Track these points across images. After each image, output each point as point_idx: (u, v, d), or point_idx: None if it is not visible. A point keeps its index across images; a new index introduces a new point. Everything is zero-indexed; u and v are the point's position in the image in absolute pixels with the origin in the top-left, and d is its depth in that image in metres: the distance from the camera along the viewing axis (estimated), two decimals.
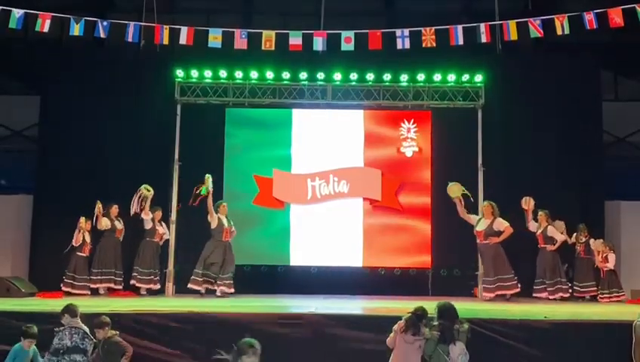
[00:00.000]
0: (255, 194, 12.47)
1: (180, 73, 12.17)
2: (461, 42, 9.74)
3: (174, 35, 10.06)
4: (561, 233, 11.38)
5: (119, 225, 11.55)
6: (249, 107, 12.48)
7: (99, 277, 11.23)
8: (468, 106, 12.22)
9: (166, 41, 10.04)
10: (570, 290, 11.28)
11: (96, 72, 12.49)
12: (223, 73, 12.19)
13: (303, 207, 12.46)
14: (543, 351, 7.56)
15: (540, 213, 11.35)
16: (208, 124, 12.61)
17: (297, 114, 12.82)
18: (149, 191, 11.40)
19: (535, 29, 9.48)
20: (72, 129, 12.53)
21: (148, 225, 11.50)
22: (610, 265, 11.22)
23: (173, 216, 11.77)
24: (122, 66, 12.42)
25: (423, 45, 9.73)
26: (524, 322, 7.90)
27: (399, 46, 9.87)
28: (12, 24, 9.72)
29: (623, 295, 11.27)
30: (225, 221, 11.19)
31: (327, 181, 12.48)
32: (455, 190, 11.16)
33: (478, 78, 12.11)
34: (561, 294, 11.08)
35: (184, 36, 10.02)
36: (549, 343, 7.58)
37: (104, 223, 11.34)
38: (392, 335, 6.85)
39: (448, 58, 12.01)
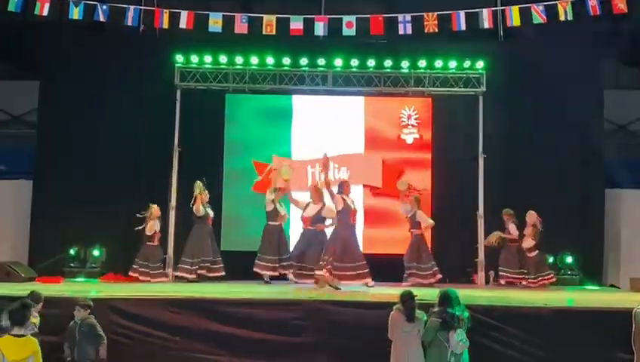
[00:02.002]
0: (254, 181, 12.44)
1: (179, 58, 12.08)
2: (463, 28, 9.72)
3: (174, 19, 10.02)
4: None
5: (210, 212, 11.33)
6: (249, 93, 12.44)
7: (194, 267, 10.91)
8: (469, 93, 12.17)
9: (166, 25, 10.03)
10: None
11: (96, 57, 12.39)
12: (223, 58, 12.11)
13: (302, 194, 12.42)
14: (543, 337, 7.57)
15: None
16: (208, 110, 12.56)
17: (298, 100, 12.77)
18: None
19: (538, 15, 9.45)
20: (72, 114, 12.46)
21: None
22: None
23: (173, 202, 11.74)
24: (122, 51, 12.31)
25: (425, 31, 9.71)
26: (525, 309, 7.92)
27: (401, 31, 9.85)
28: (11, 7, 9.67)
29: (549, 277, 11.23)
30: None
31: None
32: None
33: (480, 64, 12.04)
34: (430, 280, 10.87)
35: (184, 20, 10.01)
36: (550, 330, 7.59)
37: (201, 210, 11.04)
38: (389, 327, 6.87)
39: (449, 45, 11.97)
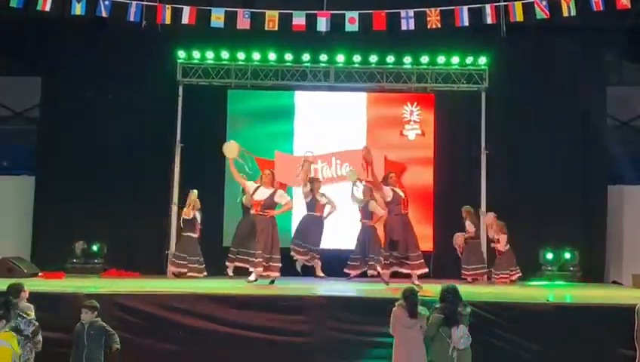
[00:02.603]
0: (257, 177, 12.41)
1: (181, 54, 12.10)
2: (466, 23, 9.68)
3: (176, 14, 9.99)
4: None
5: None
6: (251, 89, 12.43)
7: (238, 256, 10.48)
8: (471, 89, 12.17)
9: (168, 21, 9.99)
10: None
11: (98, 53, 12.41)
12: (225, 54, 12.12)
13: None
14: (545, 334, 7.55)
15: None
16: (210, 106, 12.56)
17: (300, 96, 12.77)
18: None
19: (541, 10, 9.41)
20: (73, 110, 12.48)
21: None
22: (501, 247, 11.15)
23: (175, 198, 11.75)
24: (124, 47, 12.32)
25: (428, 26, 9.68)
26: (527, 305, 7.89)
27: (404, 27, 9.81)
28: (13, 3, 9.66)
29: (516, 273, 11.13)
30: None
31: (329, 164, 12.44)
32: (232, 150, 9.87)
33: (482, 60, 12.04)
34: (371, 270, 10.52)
35: (186, 16, 9.97)
36: (552, 326, 7.57)
37: (247, 201, 10.74)
38: (391, 323, 6.86)
39: (452, 41, 11.93)
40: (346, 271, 10.89)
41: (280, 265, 9.42)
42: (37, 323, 6.39)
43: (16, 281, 7.17)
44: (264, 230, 9.35)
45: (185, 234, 11.09)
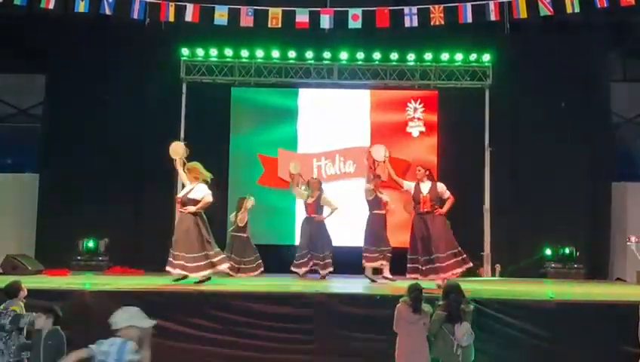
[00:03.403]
0: (260, 174, 12.45)
1: (185, 51, 12.12)
2: (470, 20, 9.68)
3: (180, 12, 10.00)
4: None
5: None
6: (255, 86, 12.44)
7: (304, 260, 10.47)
8: (475, 86, 12.16)
9: (172, 19, 10.01)
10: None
11: (102, 51, 12.42)
12: (228, 52, 12.14)
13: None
14: (548, 331, 7.55)
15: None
16: (214, 103, 12.56)
17: (303, 93, 12.77)
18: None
19: (545, 7, 9.39)
20: (78, 107, 12.49)
21: None
22: None
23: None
24: (127, 44, 12.33)
25: (432, 23, 9.67)
26: (530, 302, 7.89)
27: (407, 24, 9.81)
28: (17, 0, 9.67)
29: None
30: None
31: (333, 161, 12.46)
32: (177, 151, 9.27)
33: (486, 57, 12.03)
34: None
35: (190, 13, 9.98)
36: (555, 323, 7.57)
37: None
38: (394, 320, 6.86)
39: (456, 38, 11.93)
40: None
41: (203, 263, 8.81)
42: (14, 312, 5.92)
43: (14, 280, 6.76)
44: (188, 229, 8.81)
45: (236, 234, 10.62)
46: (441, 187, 9.19)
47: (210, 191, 8.99)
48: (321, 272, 10.35)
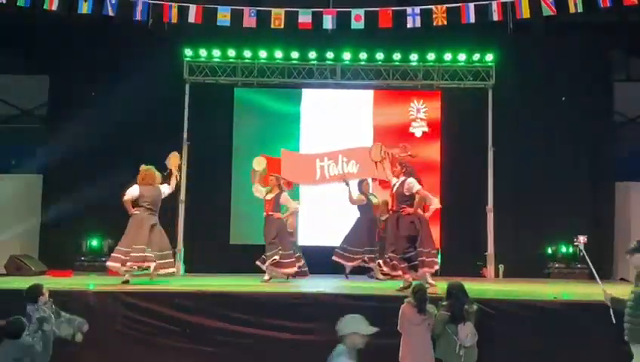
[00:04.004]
0: None
1: (188, 52, 12.14)
2: (473, 20, 9.68)
3: (183, 13, 10.03)
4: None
5: (374, 199, 10.91)
6: (258, 87, 12.46)
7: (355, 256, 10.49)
8: (478, 86, 12.15)
9: (175, 20, 10.04)
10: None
11: (104, 52, 12.44)
12: (231, 52, 12.15)
13: (311, 188, 12.41)
14: (552, 331, 7.54)
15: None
16: (217, 104, 12.58)
17: (306, 94, 12.79)
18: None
19: (548, 7, 9.39)
20: (81, 108, 12.50)
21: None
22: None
23: (182, 196, 11.77)
24: (130, 45, 12.36)
25: (434, 23, 9.68)
26: (533, 302, 7.89)
27: (410, 24, 9.82)
28: (20, 2, 9.70)
29: None
30: None
31: (335, 161, 12.37)
32: (172, 161, 9.92)
33: (489, 57, 12.03)
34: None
35: (193, 14, 10.01)
36: (558, 323, 7.57)
37: (359, 198, 10.55)
38: (399, 320, 6.86)
39: (458, 38, 11.91)
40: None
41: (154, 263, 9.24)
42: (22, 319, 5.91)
43: (35, 284, 6.65)
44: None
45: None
46: (408, 183, 8.51)
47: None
48: (283, 271, 9.99)
